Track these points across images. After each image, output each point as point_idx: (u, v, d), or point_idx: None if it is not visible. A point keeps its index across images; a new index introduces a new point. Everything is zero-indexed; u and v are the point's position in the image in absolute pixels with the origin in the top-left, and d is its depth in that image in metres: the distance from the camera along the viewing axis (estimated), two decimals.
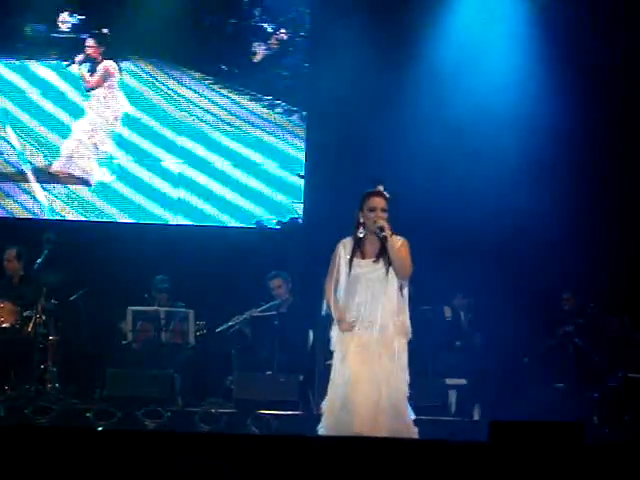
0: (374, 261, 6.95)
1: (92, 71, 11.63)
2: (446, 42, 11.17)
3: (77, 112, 11.66)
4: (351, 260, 6.96)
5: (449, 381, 10.06)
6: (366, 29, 11.15)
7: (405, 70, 11.10)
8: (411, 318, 7.07)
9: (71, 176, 11.62)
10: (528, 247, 11.04)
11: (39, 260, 10.15)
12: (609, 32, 11.05)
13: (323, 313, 7.15)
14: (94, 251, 10.97)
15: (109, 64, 11.67)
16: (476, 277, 10.65)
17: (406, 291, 7.01)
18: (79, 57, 11.63)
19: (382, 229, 6.84)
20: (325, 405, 7.03)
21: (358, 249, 6.98)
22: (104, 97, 11.68)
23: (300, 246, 11.08)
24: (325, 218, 10.94)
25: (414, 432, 6.93)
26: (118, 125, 11.67)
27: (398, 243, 6.91)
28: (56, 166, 11.62)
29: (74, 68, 11.63)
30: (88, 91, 11.65)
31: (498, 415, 9.39)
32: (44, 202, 11.54)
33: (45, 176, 11.60)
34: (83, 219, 11.58)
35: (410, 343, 7.06)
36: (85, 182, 11.62)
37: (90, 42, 11.60)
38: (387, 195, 6.98)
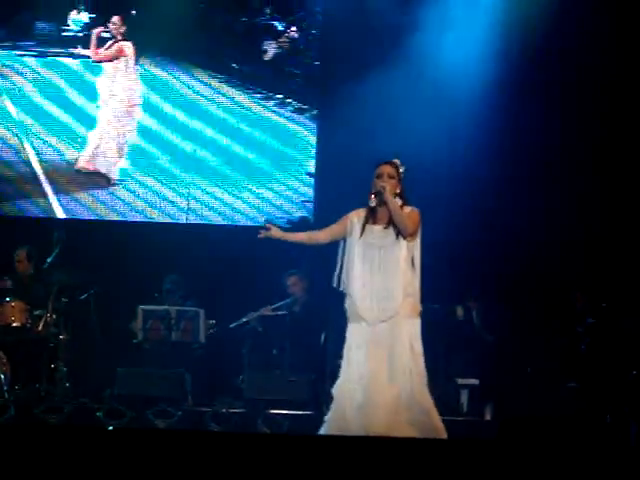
0: (384, 227, 6.99)
1: (104, 45, 11.56)
2: (456, 37, 11.14)
3: (96, 104, 11.63)
4: (363, 227, 7.02)
5: (461, 381, 10.03)
6: (376, 27, 11.10)
7: (415, 67, 11.02)
8: (423, 313, 7.05)
9: (95, 172, 11.56)
10: (539, 245, 10.99)
11: (49, 259, 10.16)
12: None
13: (334, 284, 7.10)
14: (104, 250, 10.95)
15: (125, 44, 11.57)
16: (487, 277, 10.63)
17: (418, 263, 6.99)
18: (98, 29, 11.55)
19: (382, 189, 6.90)
20: (336, 393, 6.97)
21: (371, 217, 7.04)
22: (122, 85, 11.64)
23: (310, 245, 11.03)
24: (335, 217, 10.90)
25: (440, 424, 6.82)
26: (135, 120, 11.66)
27: (407, 210, 6.96)
28: (81, 162, 11.56)
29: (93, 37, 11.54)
30: (93, 62, 11.56)
31: (510, 415, 9.37)
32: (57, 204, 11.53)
33: (68, 174, 11.56)
34: (95, 218, 11.55)
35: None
36: (107, 179, 11.58)
37: (115, 19, 11.53)
38: (398, 163, 7.04)
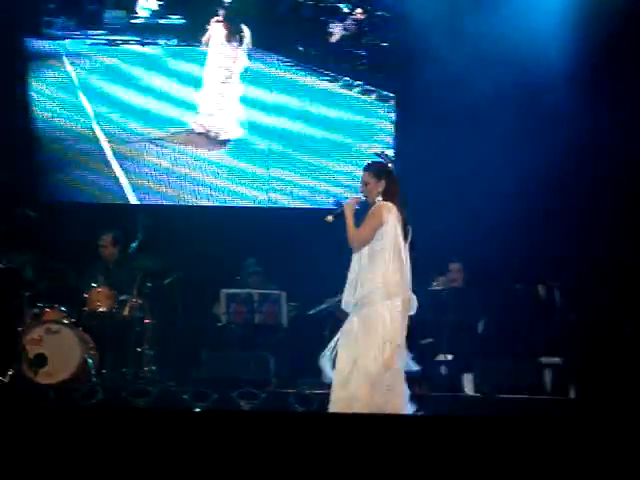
0: None
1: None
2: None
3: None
4: None
5: (544, 360, 9.97)
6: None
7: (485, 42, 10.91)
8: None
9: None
10: (620, 227, 10.84)
11: (133, 245, 10.28)
12: None
13: None
14: (187, 235, 11.06)
15: (214, 26, 11.61)
16: (569, 255, 10.54)
17: (379, 254, 7.18)
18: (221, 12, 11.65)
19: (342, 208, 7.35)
20: None
21: None
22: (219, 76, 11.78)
23: None
24: (414, 198, 10.91)
25: (398, 402, 7.01)
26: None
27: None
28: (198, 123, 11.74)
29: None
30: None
31: (595, 393, 9.31)
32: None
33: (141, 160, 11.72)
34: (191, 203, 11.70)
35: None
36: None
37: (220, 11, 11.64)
38: (374, 167, 7.34)
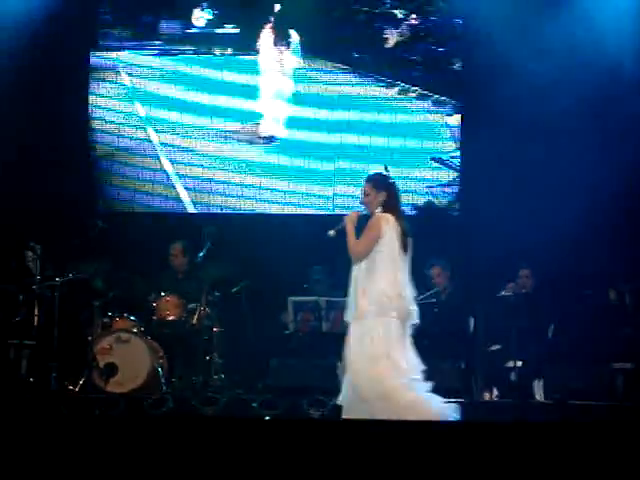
0: None
1: None
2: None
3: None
4: None
5: (616, 365, 9.86)
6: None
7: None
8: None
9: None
10: None
11: (201, 254, 10.35)
12: None
13: None
14: (253, 243, 11.10)
15: (265, 33, 11.71)
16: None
17: (375, 266, 7.19)
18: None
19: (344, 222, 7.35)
20: None
21: None
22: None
23: (457, 233, 11.01)
24: (482, 205, 10.87)
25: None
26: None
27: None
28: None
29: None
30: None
31: None
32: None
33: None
34: (245, 211, 11.73)
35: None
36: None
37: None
38: (374, 177, 7.36)
